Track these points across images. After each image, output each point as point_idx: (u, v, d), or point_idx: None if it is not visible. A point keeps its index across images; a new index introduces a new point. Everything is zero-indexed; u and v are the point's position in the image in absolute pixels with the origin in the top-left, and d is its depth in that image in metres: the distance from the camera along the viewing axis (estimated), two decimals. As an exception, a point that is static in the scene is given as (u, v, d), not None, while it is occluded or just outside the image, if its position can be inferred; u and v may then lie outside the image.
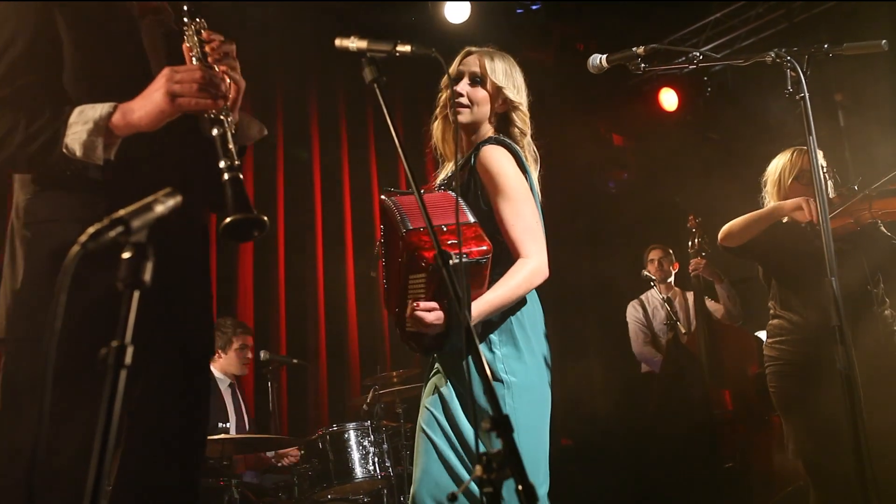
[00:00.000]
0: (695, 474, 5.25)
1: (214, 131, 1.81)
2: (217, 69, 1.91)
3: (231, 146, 1.79)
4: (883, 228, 3.73)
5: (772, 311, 3.89)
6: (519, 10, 7.04)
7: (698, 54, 2.75)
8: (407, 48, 1.95)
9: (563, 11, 7.19)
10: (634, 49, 2.73)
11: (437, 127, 2.73)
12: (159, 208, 1.25)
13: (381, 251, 2.62)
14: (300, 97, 6.65)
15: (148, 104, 1.83)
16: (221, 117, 1.83)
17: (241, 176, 1.77)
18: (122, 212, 1.19)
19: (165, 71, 1.85)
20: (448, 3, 6.42)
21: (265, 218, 1.74)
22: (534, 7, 7.02)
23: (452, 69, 2.66)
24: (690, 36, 7.36)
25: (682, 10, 7.18)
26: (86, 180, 1.86)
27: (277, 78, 6.51)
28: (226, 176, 1.76)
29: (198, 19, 1.96)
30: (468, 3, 6.43)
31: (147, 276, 1.19)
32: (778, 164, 3.89)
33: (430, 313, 2.24)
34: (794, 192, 3.79)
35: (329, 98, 6.82)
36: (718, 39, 7.30)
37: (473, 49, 2.70)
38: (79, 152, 1.78)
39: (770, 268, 3.90)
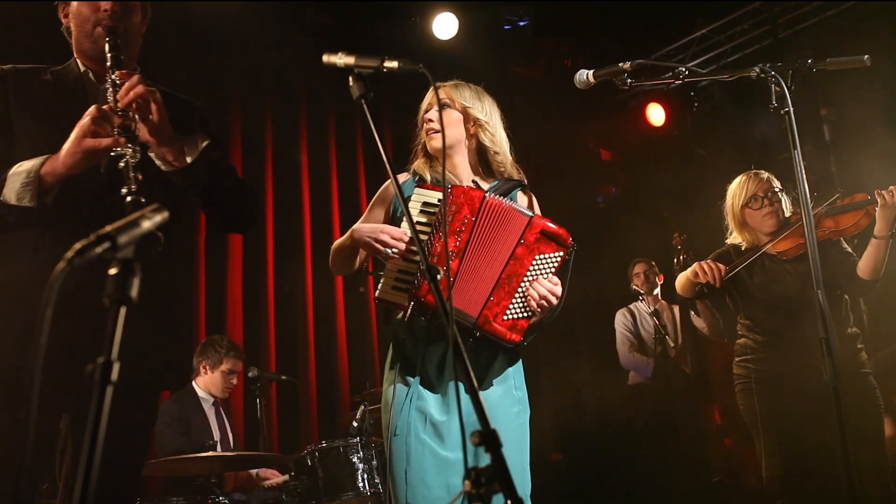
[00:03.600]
0: (683, 488, 5.25)
1: (121, 164, 2.04)
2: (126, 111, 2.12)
3: (132, 174, 2.02)
4: (845, 245, 3.76)
5: (739, 331, 3.93)
6: (507, 27, 7.07)
7: (684, 69, 2.78)
8: (394, 64, 1.96)
9: (551, 28, 7.24)
10: (621, 64, 2.75)
11: (422, 163, 2.82)
12: (146, 224, 1.25)
13: (371, 266, 2.66)
14: (290, 111, 6.66)
15: (66, 148, 2.10)
16: (123, 151, 2.06)
17: (143, 199, 1.97)
18: (108, 227, 1.19)
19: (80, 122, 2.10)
20: (436, 19, 6.44)
21: (159, 234, 1.86)
22: (521, 23, 7.05)
23: (423, 103, 2.84)
24: (676, 52, 7.43)
25: (668, 27, 7.24)
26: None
27: (266, 94, 6.52)
28: (127, 199, 1.99)
29: (113, 72, 2.17)
30: (456, 19, 6.46)
31: (134, 293, 1.19)
32: (730, 191, 3.94)
33: (558, 287, 2.55)
34: (749, 218, 3.85)
35: (318, 114, 6.83)
36: (704, 55, 7.37)
37: (440, 84, 2.81)
38: (13, 199, 2.09)
39: (729, 294, 3.95)
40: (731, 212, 3.91)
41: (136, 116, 2.12)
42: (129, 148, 2.06)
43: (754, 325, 3.80)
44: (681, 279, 3.95)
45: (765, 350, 3.73)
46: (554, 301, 2.53)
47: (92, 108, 2.09)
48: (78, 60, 2.37)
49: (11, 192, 2.09)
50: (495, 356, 2.64)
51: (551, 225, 2.56)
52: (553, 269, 2.56)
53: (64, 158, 2.09)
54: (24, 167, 2.10)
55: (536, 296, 2.51)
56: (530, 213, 2.58)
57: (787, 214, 3.79)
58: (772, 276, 3.72)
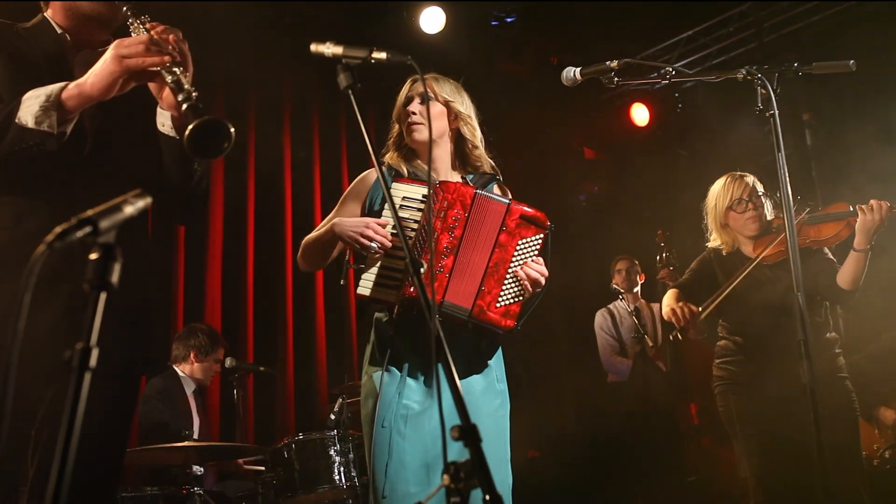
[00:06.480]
0: (660, 486, 5.27)
1: (169, 78, 1.90)
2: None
3: (186, 86, 1.88)
4: (827, 253, 3.78)
5: (720, 333, 3.93)
6: (494, 23, 7.07)
7: (671, 70, 2.79)
8: (382, 55, 1.95)
9: (538, 25, 7.24)
10: (608, 63, 2.76)
11: (396, 157, 2.82)
12: (128, 209, 1.24)
13: (353, 258, 2.66)
14: (274, 103, 6.62)
15: (98, 69, 1.92)
16: (173, 69, 1.92)
17: (201, 106, 1.85)
18: (90, 212, 1.18)
19: (114, 42, 1.94)
20: (423, 13, 6.43)
21: (227, 123, 1.85)
22: (509, 20, 7.05)
23: (401, 96, 2.82)
24: (663, 53, 7.45)
25: (654, 28, 7.26)
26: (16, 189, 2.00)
27: (251, 85, 6.48)
28: (184, 106, 1.86)
29: (142, 17, 2.05)
30: (443, 13, 6.44)
31: (115, 278, 1.18)
32: (713, 193, 3.92)
33: (544, 267, 2.62)
34: (731, 221, 3.83)
35: (302, 108, 6.79)
36: (690, 57, 7.39)
37: (418, 77, 2.77)
38: (30, 122, 1.89)
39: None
40: (713, 213, 3.89)
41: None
42: (178, 67, 1.93)
43: (735, 329, 3.81)
44: (665, 308, 3.89)
45: (745, 353, 3.73)
46: (543, 281, 2.60)
47: (142, 35, 1.95)
48: (53, 21, 2.20)
49: (28, 115, 1.89)
50: (478, 347, 2.66)
51: (528, 209, 2.63)
52: (536, 252, 2.64)
53: (96, 80, 1.91)
54: (40, 91, 1.91)
55: (529, 278, 2.57)
56: (506, 200, 2.65)
57: (770, 218, 3.79)
58: (752, 281, 3.72)
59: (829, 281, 3.66)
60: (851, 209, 3.62)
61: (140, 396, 4.86)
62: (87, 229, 1.16)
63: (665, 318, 3.80)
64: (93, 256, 1.17)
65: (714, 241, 3.93)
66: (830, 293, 3.70)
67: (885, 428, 5.22)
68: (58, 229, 1.14)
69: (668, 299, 3.84)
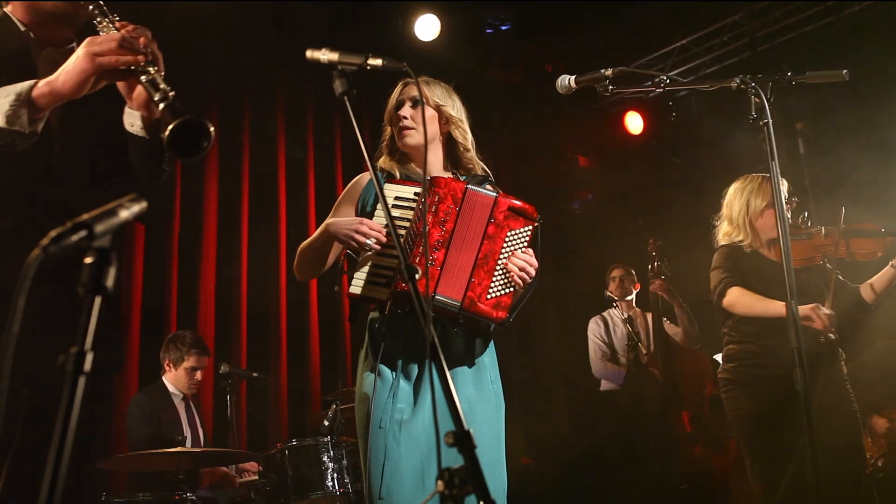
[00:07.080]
0: (652, 494, 5.27)
1: (143, 78, 1.88)
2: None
3: (162, 85, 1.86)
4: (827, 263, 3.79)
5: (728, 337, 3.87)
6: (489, 30, 7.08)
7: (666, 78, 2.80)
8: (378, 61, 1.95)
9: (533, 33, 7.26)
10: (603, 71, 2.76)
11: (389, 161, 2.82)
12: (123, 213, 1.23)
13: (346, 265, 2.66)
14: (268, 111, 6.62)
15: (70, 67, 1.88)
16: (147, 68, 1.89)
17: (178, 105, 1.82)
18: (85, 216, 1.17)
19: (86, 40, 1.91)
20: (418, 20, 6.44)
21: (207, 123, 1.82)
22: (503, 27, 7.07)
23: (392, 99, 2.83)
24: (656, 61, 7.48)
25: (648, 37, 7.29)
26: None
27: (245, 90, 6.48)
28: (161, 106, 1.83)
29: (111, 16, 2.02)
30: (438, 21, 6.46)
31: (110, 282, 1.17)
32: (743, 189, 3.87)
33: (533, 258, 2.62)
34: (763, 221, 3.80)
35: (297, 115, 6.79)
36: (684, 66, 7.42)
37: (409, 80, 2.75)
38: (2, 122, 1.84)
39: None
40: (743, 211, 3.83)
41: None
42: (151, 66, 1.89)
43: (746, 332, 3.77)
44: (743, 299, 3.72)
45: (773, 355, 3.64)
46: (532, 272, 2.60)
47: (114, 33, 1.91)
48: (14, 18, 2.13)
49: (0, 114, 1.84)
50: (470, 345, 2.66)
51: (517, 201, 2.64)
52: (525, 244, 2.64)
53: (67, 78, 1.87)
54: (9, 89, 1.86)
55: (517, 268, 2.57)
56: (494, 193, 2.65)
57: (790, 223, 3.76)
58: (768, 285, 3.69)
59: (854, 299, 3.71)
60: (884, 230, 3.68)
61: (114, 400, 4.86)
62: (83, 233, 1.16)
63: (804, 322, 3.53)
64: (88, 261, 1.17)
65: (727, 236, 3.89)
66: (857, 309, 3.74)
67: (878, 437, 5.24)
68: (53, 233, 1.13)
69: (753, 298, 3.69)
